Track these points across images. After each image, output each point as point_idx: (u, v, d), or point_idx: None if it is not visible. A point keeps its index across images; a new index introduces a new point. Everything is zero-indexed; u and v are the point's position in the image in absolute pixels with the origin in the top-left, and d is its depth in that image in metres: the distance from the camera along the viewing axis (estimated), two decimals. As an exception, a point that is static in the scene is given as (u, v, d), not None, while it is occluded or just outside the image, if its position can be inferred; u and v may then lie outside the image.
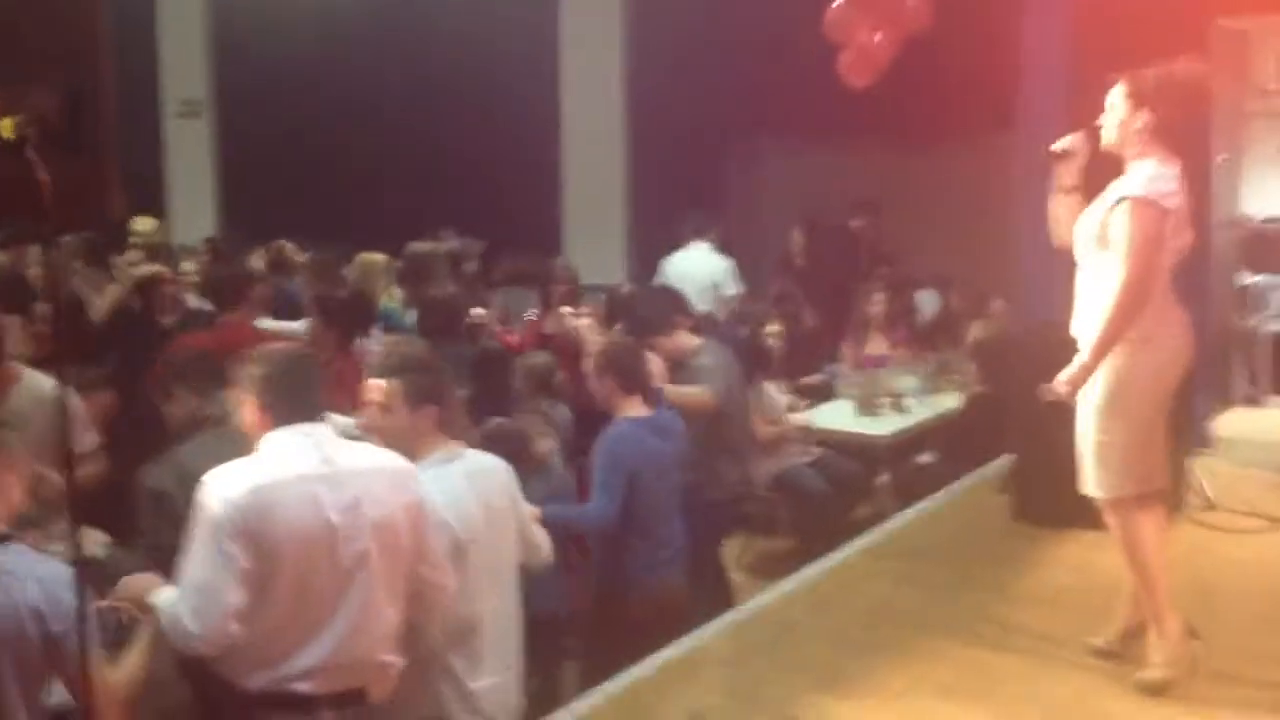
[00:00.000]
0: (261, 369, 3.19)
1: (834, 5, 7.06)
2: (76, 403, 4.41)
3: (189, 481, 3.15)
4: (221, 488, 3.00)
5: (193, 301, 7.22)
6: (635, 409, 4.73)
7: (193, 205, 13.25)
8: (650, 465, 4.64)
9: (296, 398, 3.17)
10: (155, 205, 11.95)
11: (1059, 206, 4.29)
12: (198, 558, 2.99)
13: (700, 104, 9.73)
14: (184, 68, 13.29)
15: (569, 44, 10.94)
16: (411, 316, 6.82)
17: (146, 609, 3.12)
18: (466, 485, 3.51)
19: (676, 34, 9.94)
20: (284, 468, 3.07)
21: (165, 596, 3.09)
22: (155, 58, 13.28)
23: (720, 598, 5.41)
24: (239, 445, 3.22)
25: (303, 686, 3.05)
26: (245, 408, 3.23)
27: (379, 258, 7.55)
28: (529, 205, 10.89)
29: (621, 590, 4.52)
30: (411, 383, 3.47)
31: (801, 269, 9.31)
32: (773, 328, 7.03)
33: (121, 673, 3.01)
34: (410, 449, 3.43)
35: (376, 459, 3.26)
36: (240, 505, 2.97)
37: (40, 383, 4.41)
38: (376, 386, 3.49)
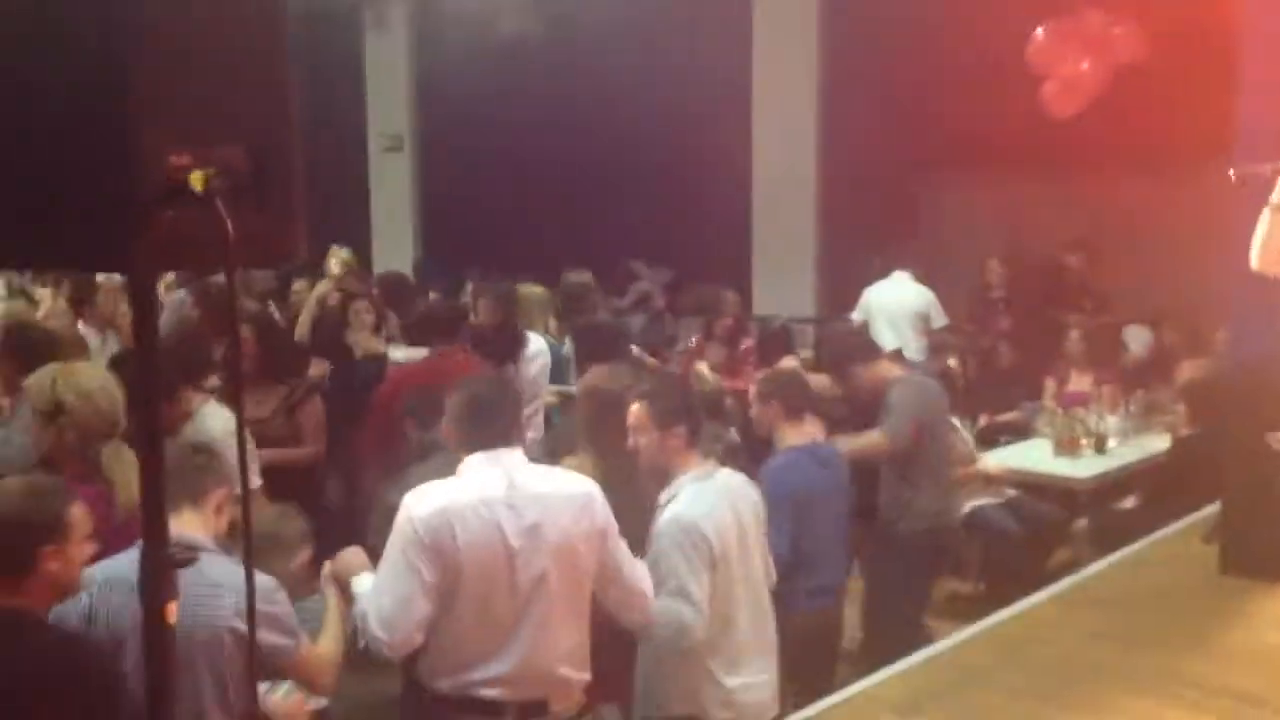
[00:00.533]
0: (458, 397, 3.40)
1: (1036, 36, 6.88)
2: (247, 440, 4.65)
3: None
4: (414, 506, 3.19)
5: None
6: (799, 436, 4.70)
7: (394, 235, 13.76)
8: (814, 495, 4.61)
9: (488, 424, 3.32)
10: (360, 235, 12.42)
11: (1269, 224, 3.88)
12: (390, 568, 3.18)
13: (892, 136, 9.60)
14: (388, 104, 13.83)
15: (762, 74, 10.93)
16: (567, 346, 6.88)
17: (347, 588, 3.37)
18: (721, 500, 3.74)
19: (871, 65, 9.84)
20: (470, 491, 3.21)
21: (364, 584, 3.30)
22: (362, 94, 13.86)
23: (902, 636, 5.26)
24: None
25: (489, 693, 3.20)
26: (446, 433, 3.51)
27: (537, 290, 7.64)
28: (719, 237, 10.91)
29: (780, 618, 4.48)
30: (658, 405, 3.74)
31: (997, 300, 9.07)
32: (952, 361, 6.86)
33: (329, 645, 3.27)
34: (665, 467, 3.74)
35: (561, 484, 3.36)
36: (427, 523, 3.14)
37: (213, 421, 4.58)
38: (631, 410, 3.78)
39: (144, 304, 1.96)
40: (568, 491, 3.32)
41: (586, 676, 3.34)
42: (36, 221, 1.77)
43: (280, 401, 5.51)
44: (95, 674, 2.75)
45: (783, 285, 10.28)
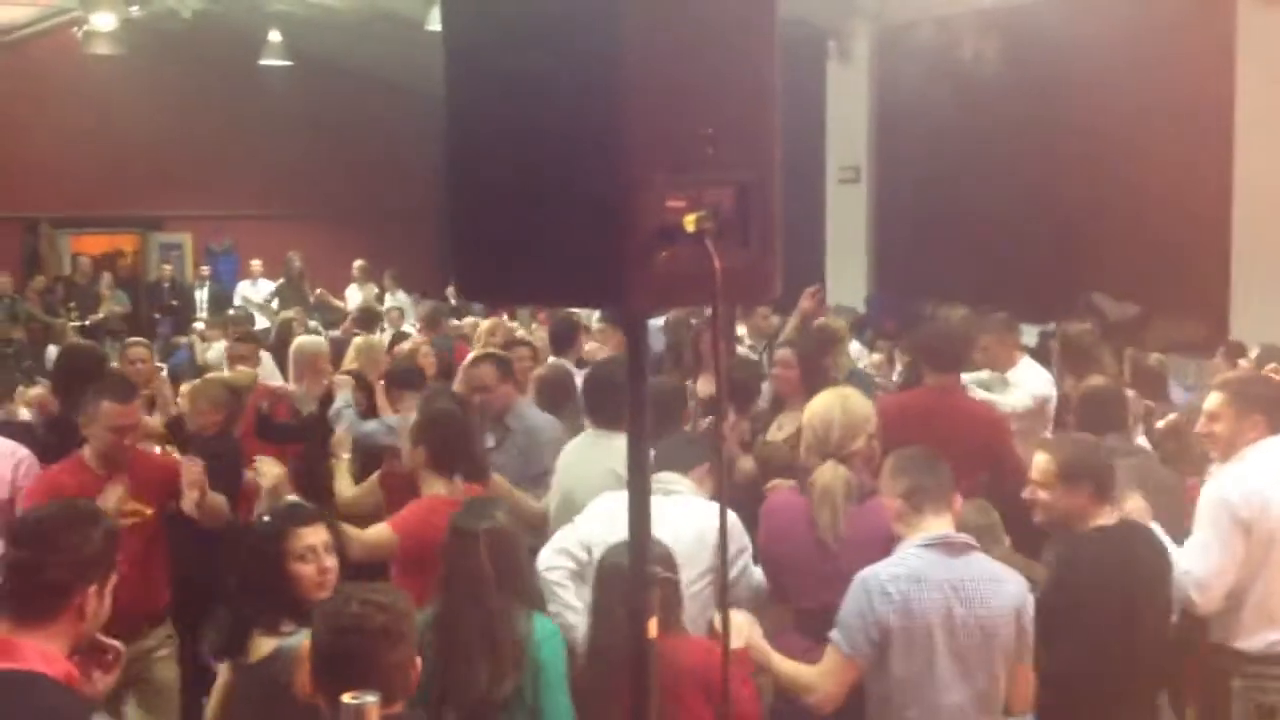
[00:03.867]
0: None
1: None
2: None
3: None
4: (1223, 488, 3.97)
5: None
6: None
7: (847, 267, 13.87)
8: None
9: None
10: (814, 267, 12.64)
11: None
12: (1205, 540, 3.95)
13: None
14: (847, 135, 13.98)
15: (1247, 97, 10.14)
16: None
17: None
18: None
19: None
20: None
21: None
22: (822, 125, 14.08)
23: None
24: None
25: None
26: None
27: (838, 324, 7.31)
28: (1192, 267, 10.21)
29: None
30: (1064, 460, 3.80)
31: None
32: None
33: None
34: (1067, 521, 3.81)
35: None
36: (1237, 501, 3.92)
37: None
38: (1034, 464, 3.88)
39: (637, 337, 2.13)
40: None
41: None
42: (540, 260, 1.97)
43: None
44: None
45: (1269, 316, 9.41)
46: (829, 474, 3.80)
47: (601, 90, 1.82)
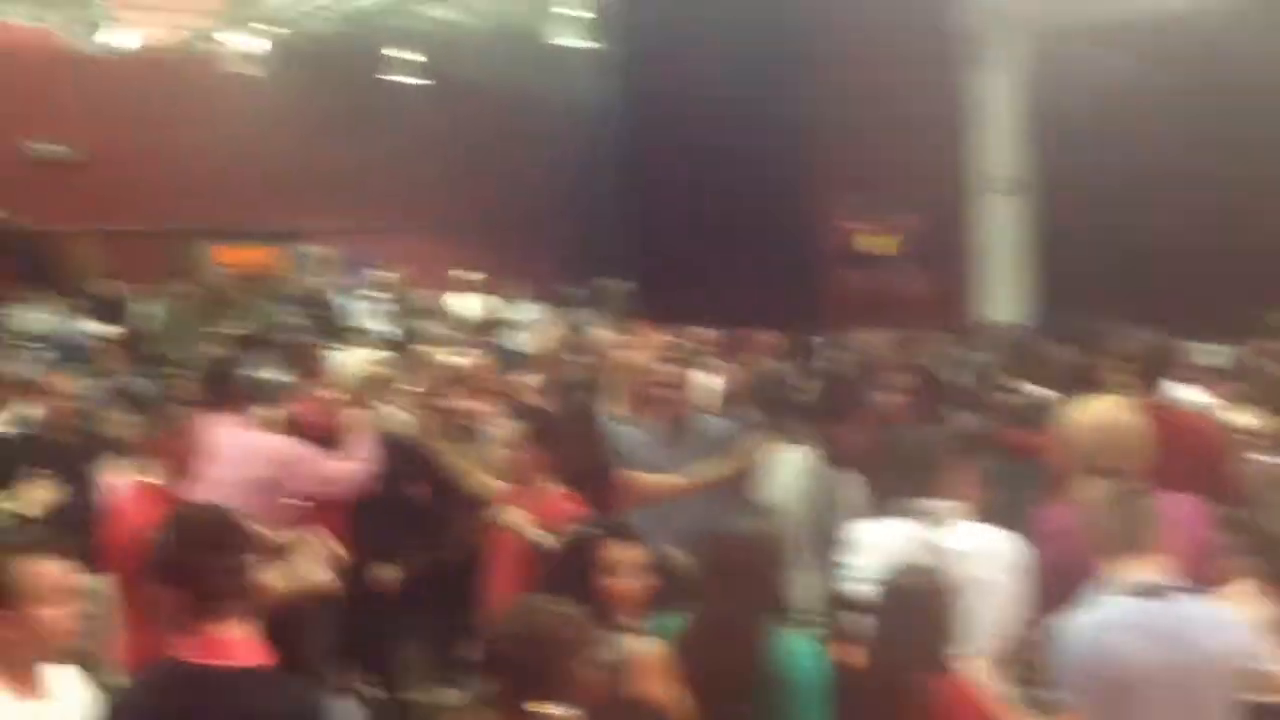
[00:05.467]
0: None
1: None
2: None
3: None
4: None
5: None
6: None
7: (1001, 281, 13.47)
8: None
9: None
10: (964, 279, 12.39)
11: None
12: None
13: None
14: (999, 145, 13.59)
15: None
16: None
17: None
18: None
19: None
20: None
21: None
22: (969, 135, 13.77)
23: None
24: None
25: None
26: None
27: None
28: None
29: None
30: None
31: None
32: None
33: None
34: None
35: None
36: None
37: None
38: None
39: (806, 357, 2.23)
40: None
41: None
42: (731, 283, 2.10)
43: None
44: None
45: None
46: (1105, 491, 3.45)
47: (795, 122, 1.92)
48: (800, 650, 3.36)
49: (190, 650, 2.89)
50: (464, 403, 6.32)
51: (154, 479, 4.50)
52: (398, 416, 6.29)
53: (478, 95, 16.84)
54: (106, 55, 14.49)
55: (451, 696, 5.93)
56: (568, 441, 5.08)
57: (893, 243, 2.58)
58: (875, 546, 3.77)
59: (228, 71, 15.11)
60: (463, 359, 7.86)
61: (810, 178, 2.56)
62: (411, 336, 11.29)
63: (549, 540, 4.45)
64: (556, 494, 4.82)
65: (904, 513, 3.83)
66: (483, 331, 10.68)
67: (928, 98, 10.26)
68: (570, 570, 3.47)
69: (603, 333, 10.09)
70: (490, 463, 5.65)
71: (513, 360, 8.63)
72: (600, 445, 5.27)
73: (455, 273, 14.49)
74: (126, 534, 4.03)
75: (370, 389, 6.39)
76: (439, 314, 13.73)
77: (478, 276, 14.84)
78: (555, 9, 12.42)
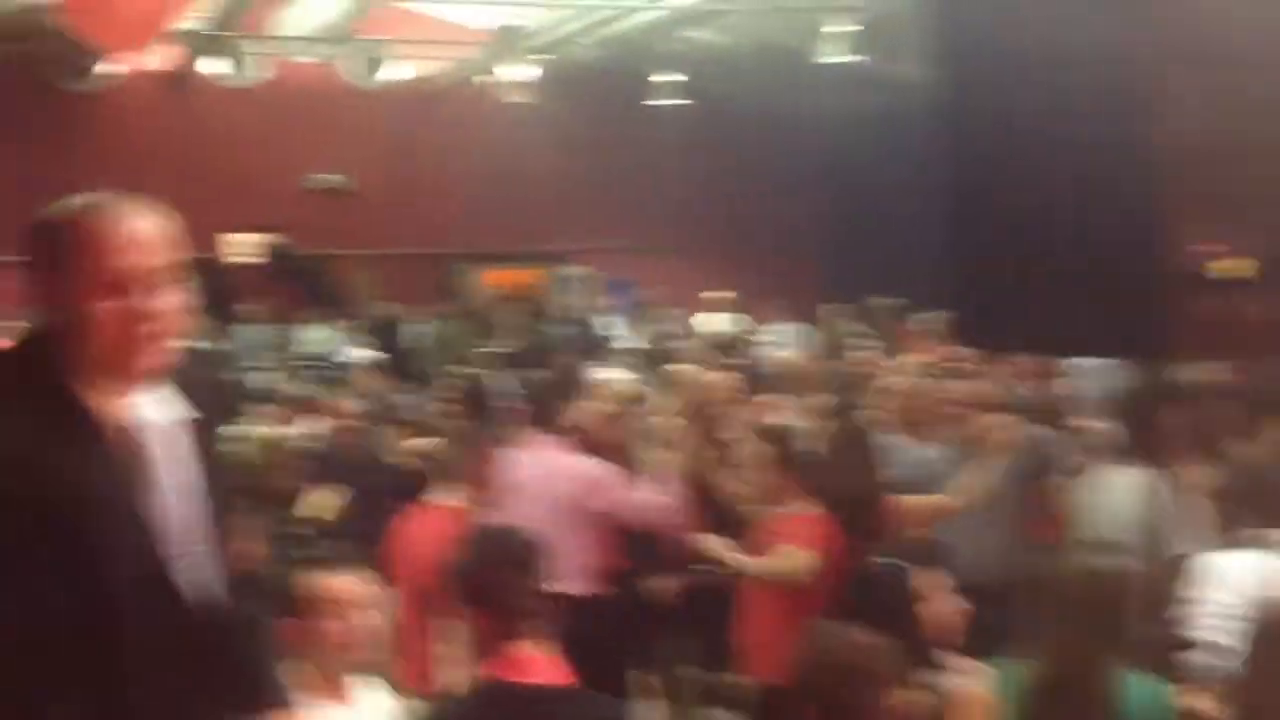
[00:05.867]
0: None
1: None
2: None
3: None
4: None
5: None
6: None
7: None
8: None
9: None
10: None
11: None
12: None
13: None
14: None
15: None
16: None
17: None
18: None
19: None
20: None
21: None
22: None
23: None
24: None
25: None
26: None
27: None
28: None
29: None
30: None
31: None
32: None
33: None
34: None
35: None
36: None
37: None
38: None
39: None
40: None
41: None
42: (1059, 309, 1.89)
43: None
44: None
45: None
46: None
47: (1141, 148, 1.75)
48: (1148, 696, 3.12)
49: (500, 669, 2.89)
50: (719, 422, 6.21)
51: (448, 498, 4.53)
52: (656, 435, 6.26)
53: (738, 114, 16.83)
54: (381, 89, 15.15)
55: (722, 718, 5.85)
56: (836, 463, 5.03)
57: (1249, 267, 2.34)
58: (1227, 580, 3.48)
59: (494, 100, 15.57)
60: (717, 377, 7.76)
61: (1158, 197, 2.36)
62: (667, 356, 11.28)
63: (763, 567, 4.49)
64: (813, 517, 4.69)
65: (1256, 544, 3.47)
66: (734, 350, 10.53)
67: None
68: (876, 599, 3.26)
69: (872, 351, 9.81)
70: (743, 484, 5.55)
71: (765, 380, 8.46)
72: (871, 467, 5.09)
73: (709, 293, 14.44)
74: (417, 553, 4.04)
75: (629, 408, 6.37)
76: (693, 333, 13.73)
77: (728, 295, 14.75)
78: (826, 27, 12.22)
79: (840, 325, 12.85)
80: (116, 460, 1.98)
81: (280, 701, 2.19)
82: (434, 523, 4.40)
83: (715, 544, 4.60)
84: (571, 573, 5.11)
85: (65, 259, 1.98)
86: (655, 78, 15.55)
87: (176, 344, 2.05)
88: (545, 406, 5.72)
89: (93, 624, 1.92)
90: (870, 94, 14.80)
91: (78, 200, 2.05)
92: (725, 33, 14.50)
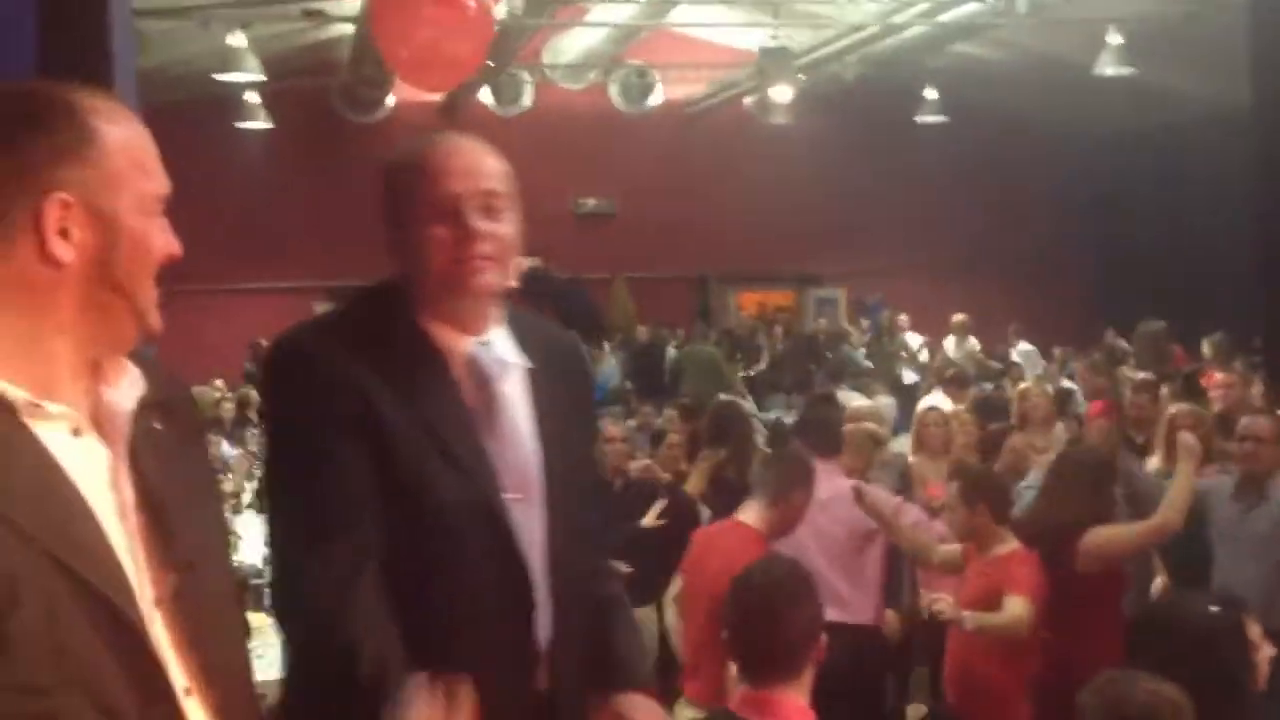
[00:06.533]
0: None
1: None
2: None
3: None
4: None
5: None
6: None
7: None
8: None
9: None
10: None
11: None
12: None
13: None
14: None
15: None
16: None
17: None
18: None
19: None
20: None
21: None
22: None
23: None
24: None
25: None
26: None
27: None
28: None
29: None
30: None
31: None
32: None
33: None
34: None
35: None
36: None
37: None
38: None
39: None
40: None
41: None
42: None
43: None
44: None
45: None
46: None
47: None
48: None
49: (742, 705, 2.80)
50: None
51: (749, 521, 4.53)
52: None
53: (1002, 129, 16.37)
54: (644, 113, 15.38)
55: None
56: (1047, 495, 4.97)
57: None
58: None
59: (756, 122, 15.59)
60: (948, 406, 7.82)
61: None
62: (913, 380, 10.93)
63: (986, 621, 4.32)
64: (1022, 556, 4.56)
65: None
66: (953, 383, 9.94)
67: None
68: (1213, 652, 2.93)
69: (1141, 377, 9.27)
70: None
71: (997, 408, 8.20)
72: (1103, 499, 4.85)
73: (958, 316, 13.98)
74: (716, 569, 4.01)
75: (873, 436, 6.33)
76: (938, 356, 13.35)
77: (962, 318, 14.03)
78: (1104, 38, 11.68)
79: (1117, 348, 12.29)
80: (458, 390, 2.03)
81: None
82: (733, 541, 4.38)
83: (942, 602, 4.40)
84: (857, 601, 5.08)
85: (404, 189, 2.07)
86: (920, 95, 15.21)
87: (510, 269, 2.09)
88: (826, 432, 5.67)
89: (417, 546, 1.95)
90: (1150, 107, 14.15)
91: (418, 140, 2.16)
92: (994, 47, 14.07)
